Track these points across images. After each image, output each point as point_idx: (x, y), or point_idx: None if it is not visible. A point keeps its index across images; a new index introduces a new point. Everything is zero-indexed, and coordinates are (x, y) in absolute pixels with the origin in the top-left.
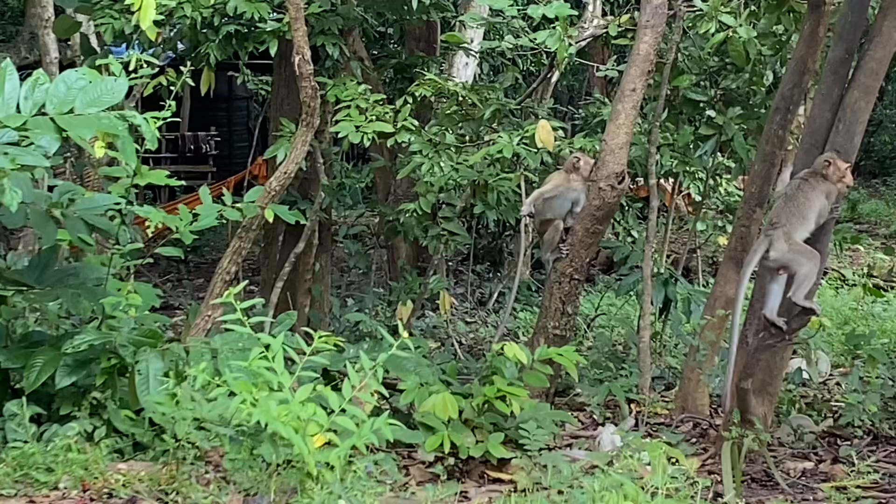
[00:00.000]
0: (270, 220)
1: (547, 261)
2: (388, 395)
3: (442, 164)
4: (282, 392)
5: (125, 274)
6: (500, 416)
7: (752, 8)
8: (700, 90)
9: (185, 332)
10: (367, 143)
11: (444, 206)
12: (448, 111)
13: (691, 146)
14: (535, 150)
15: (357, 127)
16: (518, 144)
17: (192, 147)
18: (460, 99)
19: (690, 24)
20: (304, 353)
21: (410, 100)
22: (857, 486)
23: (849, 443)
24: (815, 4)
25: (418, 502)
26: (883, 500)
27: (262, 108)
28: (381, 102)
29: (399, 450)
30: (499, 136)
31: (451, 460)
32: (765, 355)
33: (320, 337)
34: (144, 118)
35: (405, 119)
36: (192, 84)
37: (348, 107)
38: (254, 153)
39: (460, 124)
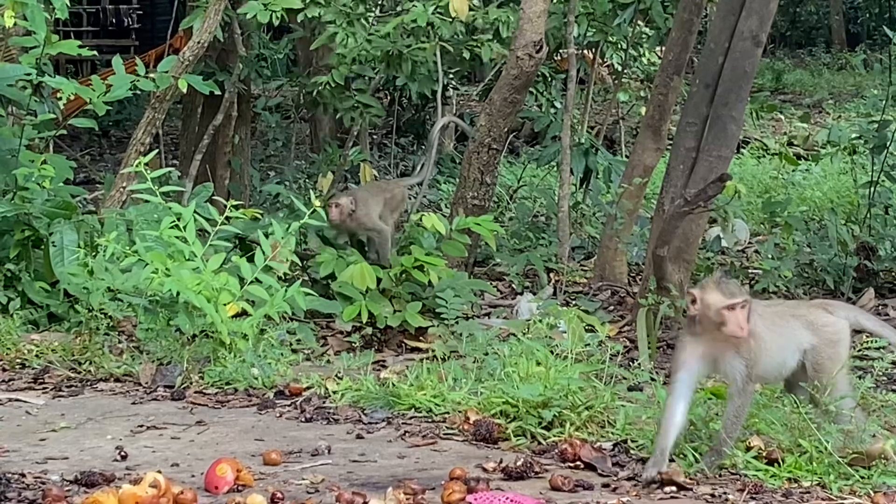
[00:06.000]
0: (184, 90)
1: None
2: (306, 266)
3: (356, 35)
4: (194, 261)
5: (42, 147)
6: (418, 286)
7: None
8: None
9: (101, 204)
10: (275, 21)
11: (358, 77)
12: None
13: (610, 14)
14: (450, 20)
15: (265, 5)
16: (433, 13)
17: (113, 20)
18: None
19: None
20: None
21: None
22: None
23: None
24: None
25: (333, 370)
26: None
27: None
28: None
29: (318, 320)
30: (413, 6)
31: (369, 330)
32: (681, 223)
33: (232, 206)
34: None
35: None
36: None
37: None
38: (174, 26)
39: None
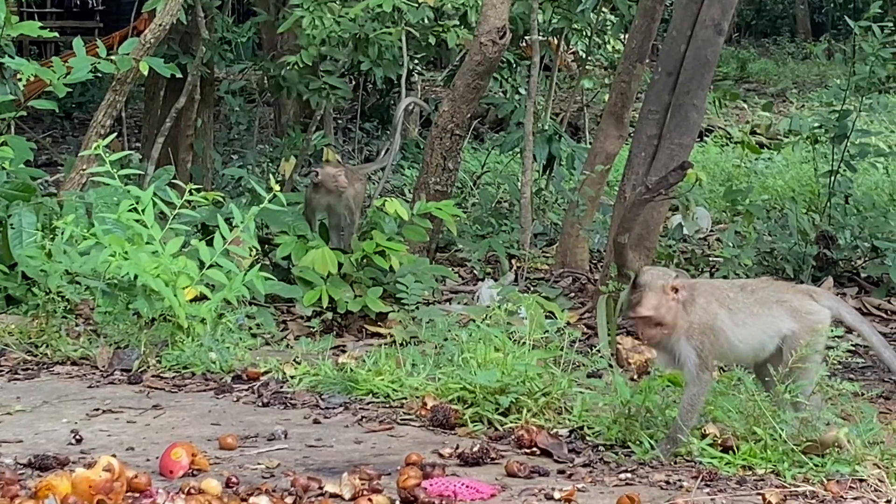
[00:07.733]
0: (145, 73)
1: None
2: (266, 251)
3: (324, 18)
4: (152, 245)
5: (3, 128)
6: (380, 271)
7: None
8: None
9: (62, 186)
10: None
11: (326, 59)
12: None
13: (574, 1)
14: (417, 5)
15: None
16: None
17: (78, 2)
18: None
19: None
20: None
21: None
22: None
23: None
24: None
25: (292, 355)
26: None
27: None
28: None
29: (279, 305)
30: None
31: (330, 315)
32: (642, 210)
33: (193, 189)
34: None
35: None
36: None
37: None
38: (139, 8)
39: None
